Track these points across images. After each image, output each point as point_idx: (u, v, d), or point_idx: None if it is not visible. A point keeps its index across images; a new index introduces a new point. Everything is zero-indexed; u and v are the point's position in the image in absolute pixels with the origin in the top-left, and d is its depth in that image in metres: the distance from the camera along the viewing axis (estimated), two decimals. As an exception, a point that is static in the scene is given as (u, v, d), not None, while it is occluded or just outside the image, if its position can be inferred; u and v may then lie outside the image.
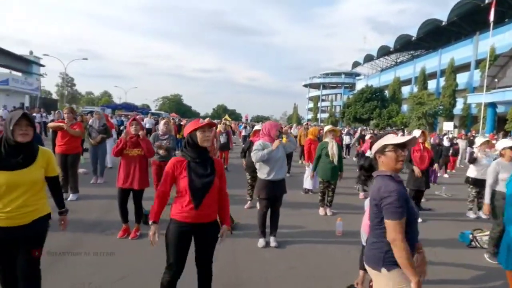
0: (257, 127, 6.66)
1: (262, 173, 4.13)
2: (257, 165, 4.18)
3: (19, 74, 35.44)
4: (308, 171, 7.52)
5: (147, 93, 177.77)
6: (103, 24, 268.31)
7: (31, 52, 41.73)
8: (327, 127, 6.19)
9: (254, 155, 4.05)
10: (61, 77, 64.83)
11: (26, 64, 40.96)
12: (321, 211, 6.10)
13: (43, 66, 43.70)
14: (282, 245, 4.45)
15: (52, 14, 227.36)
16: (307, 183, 7.55)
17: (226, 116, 44.26)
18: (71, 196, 6.08)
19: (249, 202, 6.46)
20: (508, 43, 31.80)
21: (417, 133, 6.07)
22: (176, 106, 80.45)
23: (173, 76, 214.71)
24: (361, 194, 7.55)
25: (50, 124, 5.84)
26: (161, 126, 5.99)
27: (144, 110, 50.21)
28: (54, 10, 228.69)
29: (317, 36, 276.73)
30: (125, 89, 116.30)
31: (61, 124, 5.93)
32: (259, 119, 73.33)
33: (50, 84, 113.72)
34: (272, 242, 4.37)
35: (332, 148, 5.81)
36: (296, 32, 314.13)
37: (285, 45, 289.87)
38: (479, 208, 6.37)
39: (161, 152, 5.78)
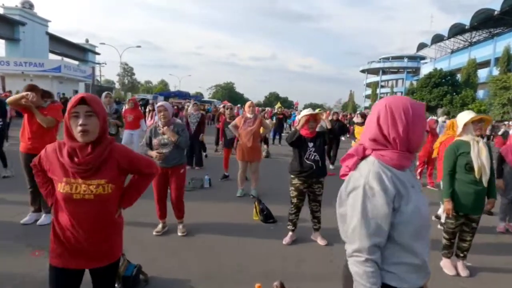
0: (305, 111, 3.99)
1: None
2: None
3: (73, 61, 35.95)
4: None
5: (201, 81, 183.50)
6: (162, 16, 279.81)
7: (87, 41, 42.67)
8: (465, 115, 3.32)
9: None
10: (121, 67, 67.59)
11: (82, 52, 41.93)
12: (448, 266, 3.38)
13: (98, 54, 44.61)
14: None
15: (117, 8, 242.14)
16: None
17: (278, 104, 41.95)
18: (42, 218, 4.05)
19: (290, 233, 3.99)
20: None
21: None
22: (229, 94, 79.92)
23: (226, 65, 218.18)
24: (501, 226, 4.65)
25: (9, 99, 3.78)
26: (158, 114, 3.91)
27: (197, 97, 49.92)
28: (119, 4, 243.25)
29: (375, 19, 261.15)
30: (180, 77, 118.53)
31: (23, 94, 3.71)
32: (313, 107, 69.58)
33: (112, 73, 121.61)
34: None
35: (480, 155, 3.04)
36: (351, 16, 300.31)
37: (340, 30, 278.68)
38: None
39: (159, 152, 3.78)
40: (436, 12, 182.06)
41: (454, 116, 33.01)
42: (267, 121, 10.28)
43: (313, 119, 3.85)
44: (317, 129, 3.95)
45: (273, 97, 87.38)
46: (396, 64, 74.09)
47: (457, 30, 52.63)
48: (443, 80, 43.08)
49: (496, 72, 40.23)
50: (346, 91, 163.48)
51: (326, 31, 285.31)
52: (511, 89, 32.90)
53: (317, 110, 5.26)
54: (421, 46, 64.31)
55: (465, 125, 3.18)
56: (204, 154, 8.63)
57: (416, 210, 1.29)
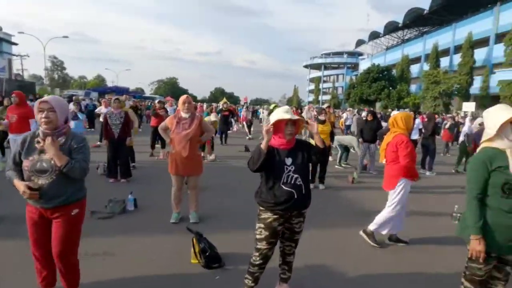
0: (277, 113, 2.45)
1: None
2: None
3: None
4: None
5: (144, 76, 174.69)
6: (101, 7, 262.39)
7: (0, 29, 37.14)
8: (499, 111, 2.19)
9: None
10: (49, 60, 61.12)
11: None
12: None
13: (15, 44, 39.16)
14: None
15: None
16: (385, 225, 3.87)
17: (224, 99, 40.83)
18: None
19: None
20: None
21: None
22: (172, 89, 76.76)
23: (170, 60, 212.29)
24: None
25: None
26: (37, 116, 2.29)
27: (137, 94, 46.51)
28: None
29: (316, 16, 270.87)
30: (118, 72, 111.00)
31: None
32: (258, 102, 69.31)
33: (41, 68, 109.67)
34: None
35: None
36: (295, 13, 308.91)
37: (284, 27, 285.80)
38: None
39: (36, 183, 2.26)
40: (371, 10, 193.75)
41: (392, 110, 34.28)
42: (210, 118, 8.89)
43: (291, 124, 2.47)
44: (297, 136, 2.59)
45: (219, 92, 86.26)
46: (336, 59, 76.67)
47: (391, 28, 55.46)
48: (381, 75, 45.05)
49: (426, 67, 42.99)
50: (290, 86, 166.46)
51: (272, 28, 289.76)
52: (441, 83, 35.30)
53: (272, 106, 4.04)
54: (359, 42, 66.96)
55: (501, 126, 2.14)
56: (131, 164, 7.01)
57: None
